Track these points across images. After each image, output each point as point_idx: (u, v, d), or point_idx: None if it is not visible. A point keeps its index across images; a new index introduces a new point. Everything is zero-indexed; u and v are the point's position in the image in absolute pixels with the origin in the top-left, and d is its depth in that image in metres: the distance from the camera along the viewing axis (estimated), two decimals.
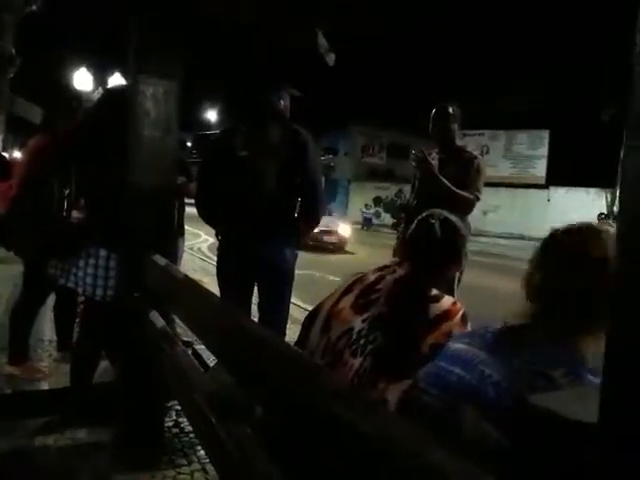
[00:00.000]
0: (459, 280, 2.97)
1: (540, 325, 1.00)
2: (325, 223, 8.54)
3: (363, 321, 1.37)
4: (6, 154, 5.31)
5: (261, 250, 2.43)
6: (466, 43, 20.48)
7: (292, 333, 2.90)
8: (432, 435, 0.64)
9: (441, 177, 3.00)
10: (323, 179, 2.76)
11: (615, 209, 17.67)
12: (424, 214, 1.61)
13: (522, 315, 1.05)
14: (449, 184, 2.98)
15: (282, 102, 2.53)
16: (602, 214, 13.22)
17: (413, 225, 1.62)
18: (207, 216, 2.61)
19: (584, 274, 0.97)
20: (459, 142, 3.28)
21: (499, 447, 0.83)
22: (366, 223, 22.54)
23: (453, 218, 1.58)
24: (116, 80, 12.31)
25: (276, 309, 2.56)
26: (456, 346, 1.08)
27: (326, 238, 10.85)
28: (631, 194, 0.55)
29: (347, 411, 0.74)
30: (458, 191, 2.98)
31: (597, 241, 0.99)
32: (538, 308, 1.03)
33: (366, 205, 24.83)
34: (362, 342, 1.34)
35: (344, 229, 11.85)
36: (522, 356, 0.95)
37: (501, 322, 1.08)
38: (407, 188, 3.88)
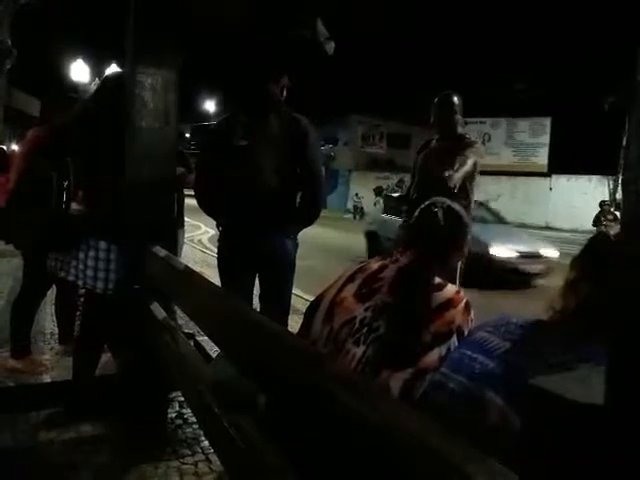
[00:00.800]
0: (462, 270, 2.96)
1: (575, 323, 1.00)
2: (522, 246, 7.17)
3: (366, 310, 1.37)
4: (4, 146, 5.29)
5: (262, 241, 2.41)
6: (467, 31, 20.34)
7: (294, 324, 2.90)
8: (454, 420, 0.64)
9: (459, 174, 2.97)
10: (324, 169, 2.74)
11: (618, 196, 17.64)
12: (427, 202, 1.60)
13: (553, 310, 1.05)
14: (464, 168, 2.97)
15: (281, 90, 2.51)
16: (604, 201, 13.15)
17: (416, 213, 1.61)
18: (207, 207, 2.60)
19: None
20: (461, 130, 3.26)
21: (521, 433, 0.83)
22: (357, 212, 22.56)
23: (456, 206, 1.57)
24: (113, 70, 12.25)
25: (278, 300, 2.55)
26: (480, 334, 1.09)
27: (528, 267, 7.06)
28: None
29: (351, 399, 0.74)
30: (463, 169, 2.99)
31: None
32: (579, 311, 1.02)
33: (357, 194, 24.86)
34: (365, 331, 1.33)
35: (550, 252, 7.52)
36: (548, 349, 0.95)
37: (522, 315, 1.08)
38: (407, 177, 3.87)
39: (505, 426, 0.87)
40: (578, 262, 1.08)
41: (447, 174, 2.97)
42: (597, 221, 12.19)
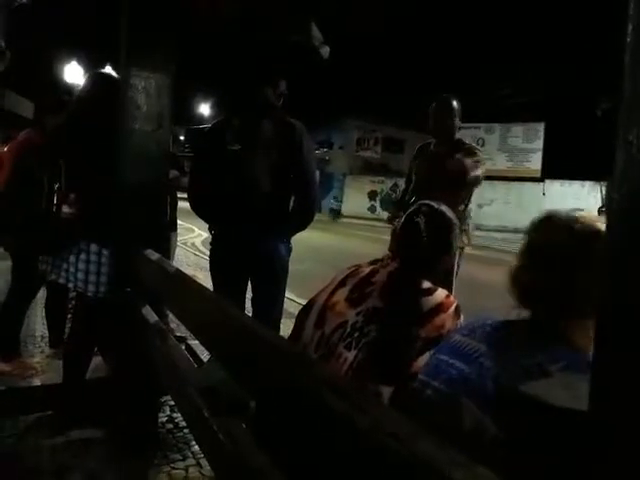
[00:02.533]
0: (456, 273, 2.97)
1: (538, 321, 0.99)
2: None
3: (357, 314, 1.37)
4: None
5: (255, 244, 2.41)
6: (462, 37, 20.45)
7: (286, 328, 2.90)
8: (430, 428, 0.64)
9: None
10: (318, 173, 2.74)
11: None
12: (411, 209, 1.59)
13: (516, 308, 1.04)
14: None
15: (275, 93, 2.51)
16: (602, 207, 13.19)
17: (401, 220, 1.61)
18: (200, 210, 2.59)
19: (581, 272, 0.95)
20: (458, 135, 3.27)
21: (497, 440, 0.82)
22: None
23: (442, 210, 1.55)
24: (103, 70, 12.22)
25: (270, 304, 2.55)
26: (456, 338, 1.08)
27: None
28: (620, 188, 0.55)
29: (341, 404, 0.73)
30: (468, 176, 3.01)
31: (590, 241, 0.97)
32: (532, 306, 1.01)
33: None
34: (356, 335, 1.33)
35: None
36: (520, 350, 0.94)
37: (500, 315, 1.07)
38: (402, 182, 3.87)
39: (480, 433, 0.86)
40: (520, 254, 1.06)
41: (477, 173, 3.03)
42: None
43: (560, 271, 0.97)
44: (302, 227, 2.57)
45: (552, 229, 1.03)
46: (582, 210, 1.16)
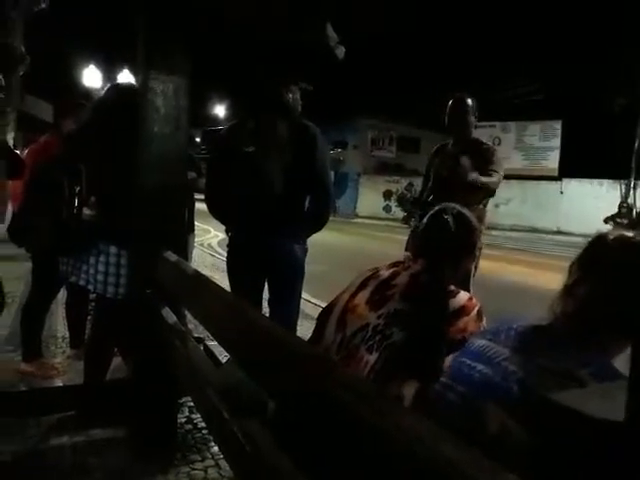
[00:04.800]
0: (474, 275, 2.95)
1: (573, 328, 0.98)
2: None
3: (379, 317, 1.36)
4: (18, 151, 5.33)
5: (271, 246, 2.42)
6: (477, 34, 20.29)
7: (303, 329, 2.90)
8: (454, 431, 0.63)
9: (471, 174, 2.98)
10: (332, 174, 2.74)
11: (630, 201, 17.44)
12: (436, 208, 1.59)
13: (551, 315, 1.03)
14: (481, 179, 2.99)
15: (291, 96, 2.51)
16: (623, 203, 12.91)
17: (425, 220, 1.61)
18: (216, 212, 2.61)
19: (634, 289, 0.94)
20: (474, 134, 3.26)
21: (523, 444, 0.81)
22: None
23: (466, 212, 1.57)
24: (125, 77, 12.37)
25: (287, 305, 2.55)
26: (479, 342, 1.07)
27: None
28: None
29: (362, 407, 0.73)
30: (487, 181, 3.00)
31: None
32: (575, 312, 1.00)
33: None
34: (378, 338, 1.33)
35: None
36: (548, 355, 0.93)
37: (525, 320, 1.05)
38: (417, 181, 3.87)
39: (506, 437, 0.85)
40: (576, 264, 1.06)
41: (496, 179, 3.05)
42: (610, 219, 12.03)
43: (619, 285, 0.96)
44: (317, 228, 2.57)
45: (611, 241, 1.03)
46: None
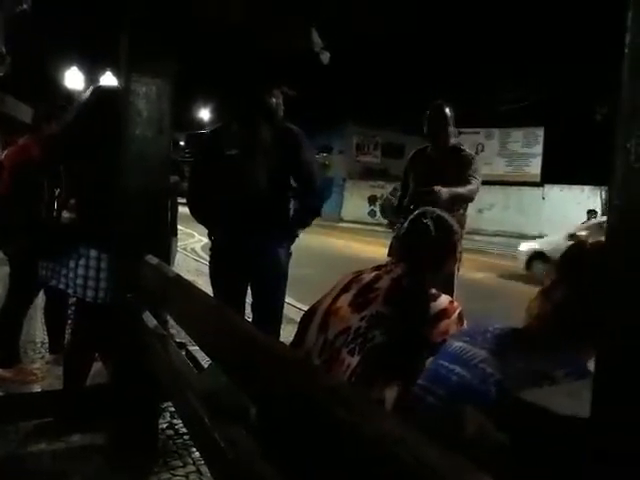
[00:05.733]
0: (456, 277, 2.98)
1: (549, 330, 0.99)
2: None
3: (361, 320, 1.37)
4: None
5: (254, 250, 2.41)
6: (461, 42, 20.52)
7: (287, 333, 2.89)
8: (433, 434, 0.63)
9: (448, 190, 2.98)
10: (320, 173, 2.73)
11: (597, 208, 17.71)
12: (416, 213, 1.61)
13: (528, 317, 1.04)
14: (458, 190, 3.01)
15: (274, 100, 2.51)
16: (592, 211, 13.05)
17: (405, 225, 1.62)
18: (199, 216, 2.59)
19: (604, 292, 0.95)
20: (453, 140, 3.29)
21: (501, 446, 0.82)
22: None
23: (446, 215, 1.59)
24: (108, 79, 12.27)
25: (270, 309, 2.55)
26: (456, 344, 1.07)
27: None
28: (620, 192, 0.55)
29: (343, 410, 0.73)
30: (465, 191, 3.05)
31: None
32: (551, 314, 1.01)
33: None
34: (360, 341, 1.33)
35: None
36: (525, 357, 0.94)
37: (501, 322, 1.07)
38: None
39: (484, 439, 0.85)
40: (554, 268, 1.07)
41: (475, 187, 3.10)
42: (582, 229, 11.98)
43: (594, 288, 0.98)
44: (307, 222, 2.56)
45: (588, 246, 1.05)
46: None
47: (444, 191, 2.91)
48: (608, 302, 0.57)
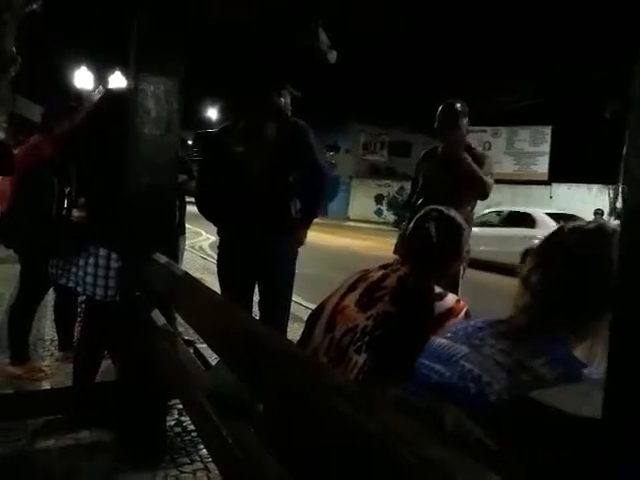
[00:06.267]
0: (462, 276, 2.97)
1: (528, 318, 0.97)
2: None
3: (368, 318, 1.37)
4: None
5: (261, 248, 2.42)
6: (468, 39, 20.41)
7: (294, 331, 2.90)
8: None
9: (467, 159, 2.99)
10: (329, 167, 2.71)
11: (618, 205, 17.60)
12: (421, 212, 1.60)
13: (513, 308, 1.02)
14: (479, 171, 3.01)
15: (282, 100, 2.52)
16: (598, 210, 12.87)
17: (411, 225, 1.61)
18: (207, 214, 2.61)
19: (588, 275, 0.95)
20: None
21: (482, 444, 0.81)
22: None
23: (452, 214, 1.56)
24: (117, 78, 12.33)
25: (277, 307, 2.56)
26: (439, 341, 1.05)
27: None
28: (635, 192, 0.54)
29: (349, 408, 0.73)
30: (480, 173, 3.03)
31: (604, 242, 0.96)
32: (531, 303, 0.99)
33: None
34: (366, 339, 1.33)
35: None
36: (503, 348, 0.92)
37: (485, 316, 1.05)
38: (408, 185, 3.87)
39: (463, 437, 0.84)
40: (531, 254, 1.06)
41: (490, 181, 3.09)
42: None
43: (572, 270, 0.97)
44: (311, 214, 2.54)
45: (566, 231, 1.03)
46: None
47: (469, 158, 2.93)
48: (621, 301, 0.56)
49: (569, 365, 0.87)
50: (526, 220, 10.13)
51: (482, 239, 9.08)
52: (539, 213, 10.29)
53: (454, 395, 0.91)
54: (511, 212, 11.13)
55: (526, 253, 8.18)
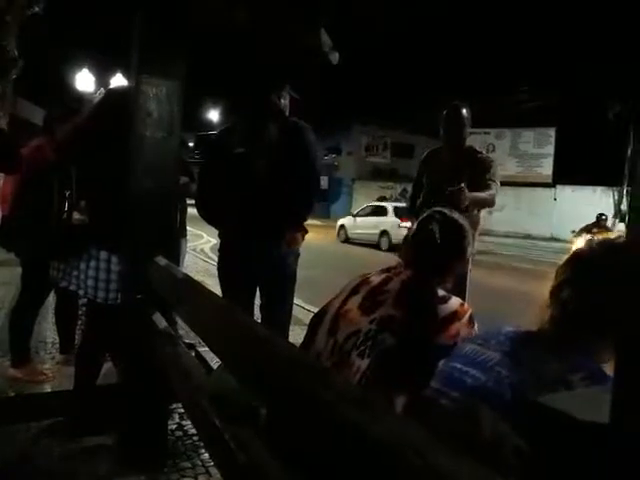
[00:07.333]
0: (469, 279, 2.95)
1: (560, 332, 0.98)
2: None
3: (370, 322, 1.35)
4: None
5: (263, 250, 2.40)
6: (471, 41, 20.42)
7: (295, 334, 2.88)
8: (447, 437, 0.62)
9: (470, 194, 2.93)
10: (326, 179, 2.72)
11: (623, 207, 17.55)
12: (425, 215, 1.59)
13: (541, 320, 1.03)
14: (481, 195, 3.01)
15: (282, 101, 2.51)
16: (602, 214, 12.82)
17: (414, 227, 1.61)
18: (207, 216, 2.59)
19: (618, 293, 0.94)
20: (467, 142, 3.26)
21: (517, 449, 0.81)
22: None
23: (456, 216, 1.56)
24: (118, 80, 12.35)
25: (279, 310, 2.54)
26: (470, 347, 1.07)
27: None
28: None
29: (353, 412, 0.72)
30: (487, 196, 3.05)
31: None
32: (562, 318, 1.00)
33: None
34: (369, 343, 1.32)
35: None
36: (539, 360, 0.93)
37: (515, 325, 1.06)
38: (410, 187, 3.85)
39: (499, 442, 0.84)
40: (561, 269, 1.06)
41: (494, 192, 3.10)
42: (584, 230, 11.41)
43: (600, 287, 0.96)
44: (304, 215, 2.53)
45: (595, 245, 1.04)
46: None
47: (469, 195, 2.88)
48: (628, 306, 0.55)
49: (602, 380, 0.87)
50: (382, 211, 14.49)
51: (358, 226, 14.82)
52: (389, 206, 14.83)
53: (489, 399, 0.92)
54: (374, 206, 15.73)
55: (383, 233, 13.23)
